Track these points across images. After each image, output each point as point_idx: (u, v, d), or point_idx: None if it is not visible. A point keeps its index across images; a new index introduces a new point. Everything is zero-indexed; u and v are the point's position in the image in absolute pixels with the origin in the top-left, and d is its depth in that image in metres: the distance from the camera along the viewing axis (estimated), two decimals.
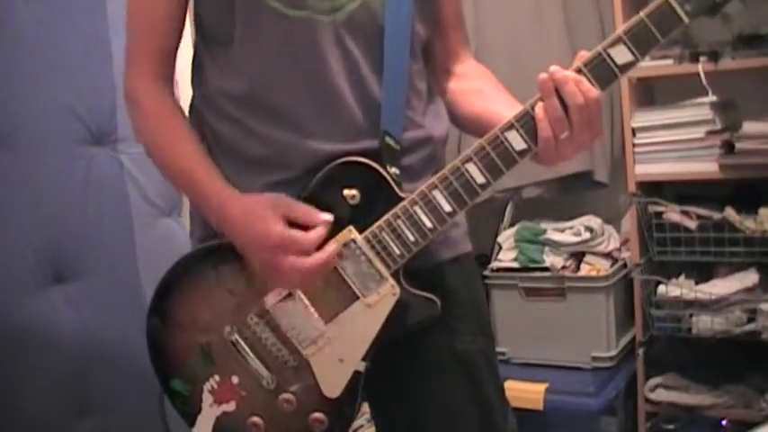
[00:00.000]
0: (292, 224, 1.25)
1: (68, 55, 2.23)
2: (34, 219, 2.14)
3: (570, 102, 1.19)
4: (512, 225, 2.94)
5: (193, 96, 1.42)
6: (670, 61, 2.56)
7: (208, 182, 1.31)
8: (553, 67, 1.20)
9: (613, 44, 1.19)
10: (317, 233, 1.25)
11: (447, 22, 1.45)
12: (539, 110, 1.21)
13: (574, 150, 1.24)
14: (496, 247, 2.90)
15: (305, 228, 1.25)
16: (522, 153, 1.24)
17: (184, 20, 1.37)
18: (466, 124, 1.44)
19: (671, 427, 2.64)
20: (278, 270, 1.26)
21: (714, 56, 2.46)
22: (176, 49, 1.38)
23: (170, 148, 1.34)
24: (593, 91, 1.19)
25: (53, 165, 2.19)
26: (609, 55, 1.19)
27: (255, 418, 1.35)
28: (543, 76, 1.20)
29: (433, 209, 1.26)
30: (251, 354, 1.33)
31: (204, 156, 1.33)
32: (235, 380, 1.35)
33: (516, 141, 1.23)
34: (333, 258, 1.26)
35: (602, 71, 1.20)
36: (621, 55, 1.19)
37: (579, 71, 1.20)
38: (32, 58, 2.15)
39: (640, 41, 1.19)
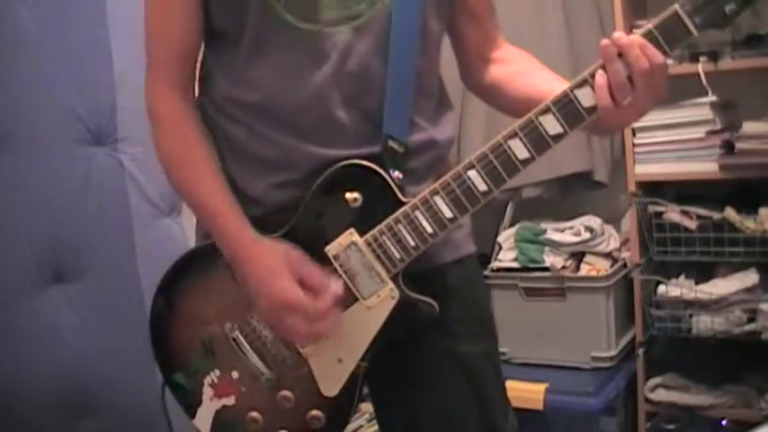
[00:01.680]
0: (303, 284, 1.27)
1: (68, 55, 2.23)
2: (34, 219, 2.14)
3: (636, 66, 1.17)
4: (512, 225, 2.94)
5: (200, 96, 1.40)
6: (670, 61, 2.53)
7: (227, 219, 1.31)
8: (617, 33, 1.19)
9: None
10: (324, 303, 1.25)
11: (480, 10, 1.44)
12: (599, 78, 1.19)
13: (636, 116, 1.23)
14: (496, 247, 2.90)
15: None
16: (524, 162, 1.23)
17: (203, 29, 1.33)
18: (516, 107, 1.39)
19: (671, 427, 2.63)
20: (278, 326, 1.30)
21: (714, 56, 2.46)
22: (196, 57, 1.36)
23: (193, 176, 1.33)
24: (659, 56, 1.17)
25: (53, 165, 2.19)
26: None
27: (254, 414, 1.37)
28: (605, 41, 1.18)
29: (434, 214, 1.26)
30: (251, 351, 1.35)
31: (224, 186, 1.32)
32: (235, 375, 1.37)
33: (519, 150, 1.23)
34: (330, 326, 1.27)
35: None
36: None
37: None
38: (32, 58, 2.16)
39: None
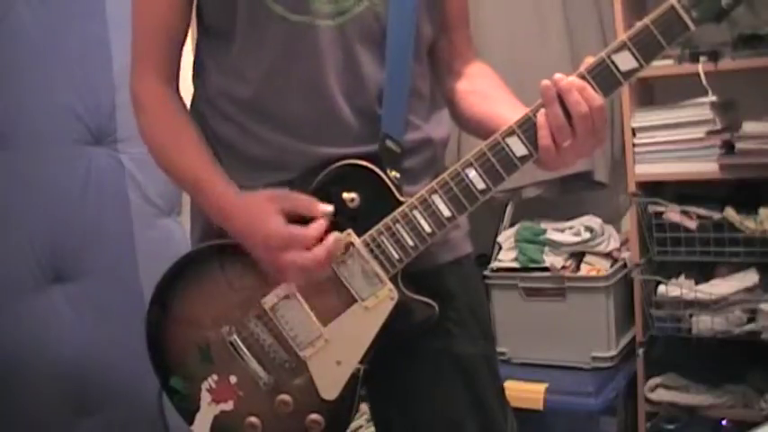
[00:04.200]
0: (294, 218, 1.25)
1: (68, 55, 2.23)
2: (34, 219, 2.14)
3: (574, 111, 1.18)
4: (512, 225, 2.94)
5: (194, 96, 1.41)
6: (670, 61, 2.56)
7: (210, 185, 1.31)
8: (557, 75, 1.20)
9: (618, 50, 1.18)
10: (316, 227, 1.24)
11: (453, 21, 1.44)
12: (540, 117, 1.20)
13: (576, 157, 1.23)
14: (496, 247, 2.90)
15: (307, 221, 1.25)
16: (522, 159, 1.23)
17: (190, 18, 1.35)
18: (468, 125, 1.43)
19: (671, 427, 2.63)
20: (281, 268, 1.26)
21: (714, 56, 2.46)
22: (182, 47, 1.37)
23: (174, 150, 1.34)
24: (598, 99, 1.18)
25: (53, 165, 2.19)
26: (613, 61, 1.18)
27: (253, 419, 1.36)
28: (545, 83, 1.19)
29: (432, 214, 1.26)
30: (249, 354, 1.33)
31: (207, 157, 1.32)
32: (233, 379, 1.36)
33: (517, 147, 1.23)
34: (334, 250, 1.25)
35: (605, 77, 1.19)
36: (625, 61, 1.18)
37: (582, 77, 1.19)
38: (32, 58, 2.16)
39: (645, 48, 1.17)
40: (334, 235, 1.25)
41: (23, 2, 2.14)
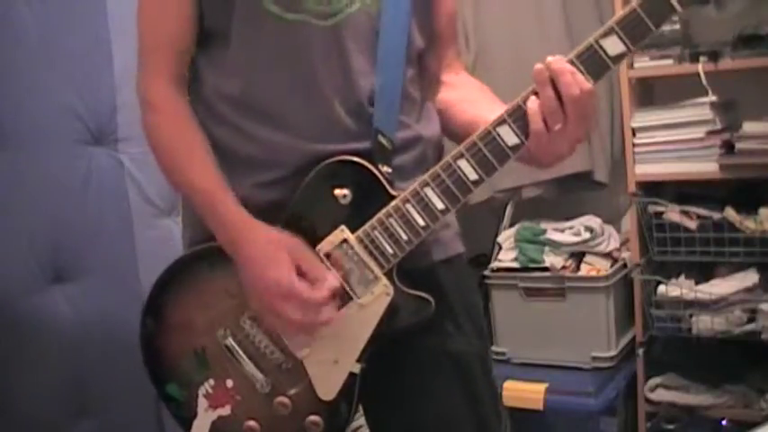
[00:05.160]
0: (301, 273, 1.25)
1: (68, 55, 2.22)
2: (34, 219, 2.14)
3: (565, 93, 1.18)
4: (512, 225, 2.94)
5: (190, 100, 1.40)
6: (670, 61, 2.56)
7: (228, 212, 1.29)
8: (550, 58, 1.20)
9: (605, 35, 1.19)
10: (321, 293, 1.24)
11: (442, 34, 1.45)
12: (531, 102, 1.20)
13: (568, 145, 1.23)
14: (496, 247, 2.90)
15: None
16: (514, 148, 1.23)
17: (196, 25, 1.34)
18: (459, 132, 1.41)
19: (671, 427, 2.64)
20: (278, 316, 1.26)
21: (714, 56, 2.46)
22: (191, 49, 1.36)
23: (186, 163, 1.32)
24: (587, 83, 1.18)
25: (53, 165, 2.19)
26: (601, 46, 1.18)
27: (251, 422, 1.35)
28: (538, 66, 1.19)
29: (425, 207, 1.26)
30: (245, 357, 1.33)
31: (221, 178, 1.31)
32: (230, 384, 1.35)
33: (508, 136, 1.23)
34: (330, 322, 1.26)
35: (594, 62, 1.19)
36: (614, 46, 1.18)
37: (571, 63, 1.19)
38: (32, 58, 2.15)
39: (633, 32, 1.18)
40: (335, 305, 1.26)
41: (23, 1, 2.14)
